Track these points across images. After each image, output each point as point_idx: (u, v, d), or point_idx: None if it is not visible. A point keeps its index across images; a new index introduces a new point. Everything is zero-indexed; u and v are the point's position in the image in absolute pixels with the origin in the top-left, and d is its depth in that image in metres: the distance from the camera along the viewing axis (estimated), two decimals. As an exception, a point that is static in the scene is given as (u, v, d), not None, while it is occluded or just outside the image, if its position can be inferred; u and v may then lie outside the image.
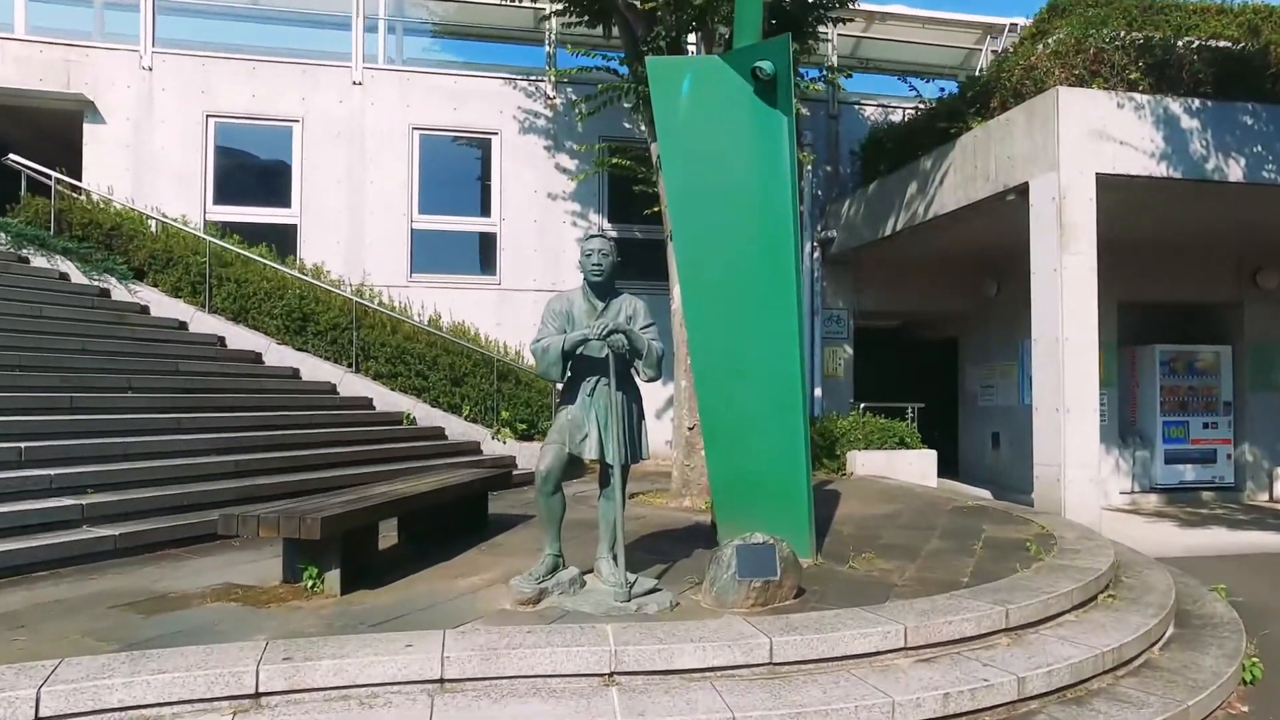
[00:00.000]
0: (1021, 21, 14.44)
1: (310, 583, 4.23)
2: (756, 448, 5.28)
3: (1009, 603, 3.95)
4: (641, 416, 4.47)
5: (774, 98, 5.28)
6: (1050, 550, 5.32)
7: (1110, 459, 11.49)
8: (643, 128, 10.31)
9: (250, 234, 10.79)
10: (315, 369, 9.39)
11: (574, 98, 11.97)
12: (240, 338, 9.38)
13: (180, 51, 11.41)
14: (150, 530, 5.27)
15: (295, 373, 9.26)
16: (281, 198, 11.53)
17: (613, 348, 4.11)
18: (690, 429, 7.88)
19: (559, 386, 4.53)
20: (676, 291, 7.78)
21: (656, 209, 8.52)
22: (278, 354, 9.37)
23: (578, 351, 4.19)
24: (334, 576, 4.22)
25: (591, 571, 4.50)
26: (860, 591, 4.41)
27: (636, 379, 4.41)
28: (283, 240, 11.26)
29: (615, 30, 9.17)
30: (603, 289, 4.34)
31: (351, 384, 9.43)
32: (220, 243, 9.97)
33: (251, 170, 11.86)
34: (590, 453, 4.23)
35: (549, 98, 12.06)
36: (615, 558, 4.20)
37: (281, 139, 11.55)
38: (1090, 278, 7.71)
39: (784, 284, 5.16)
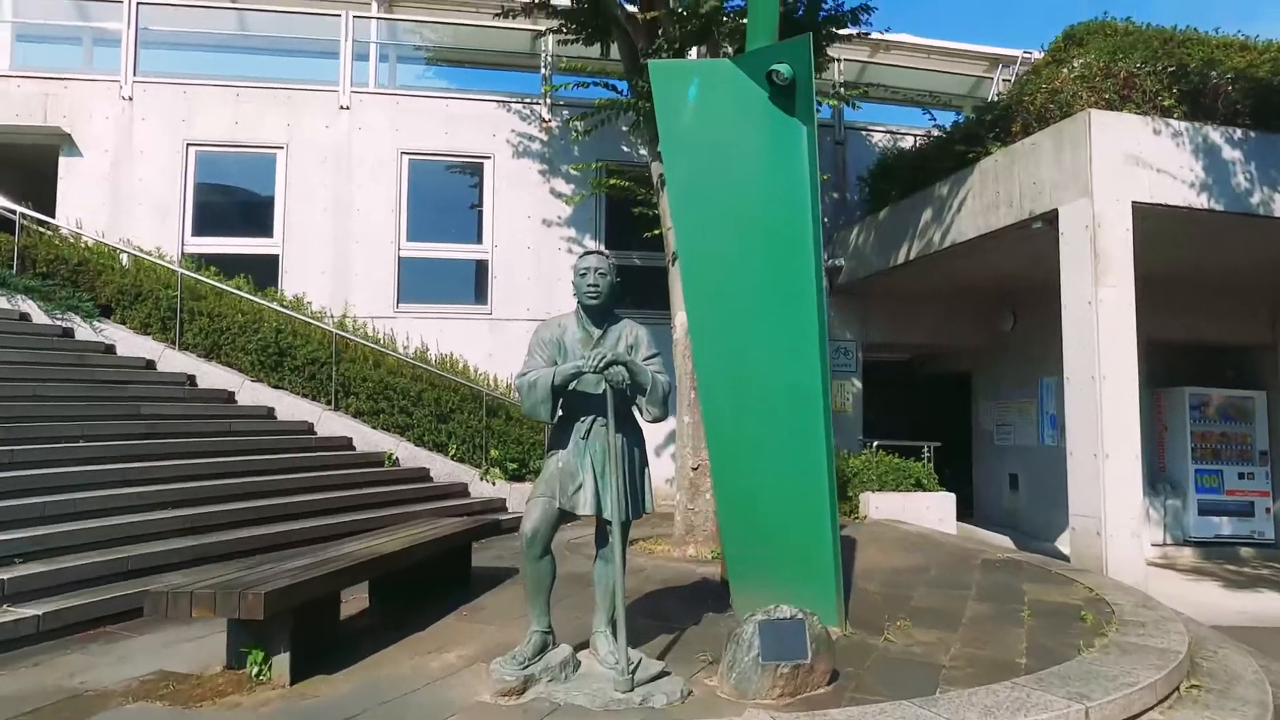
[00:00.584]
0: (1035, 54, 14.16)
1: (255, 669, 3.57)
2: (774, 492, 4.65)
3: (1086, 698, 3.30)
4: (645, 463, 3.86)
5: (792, 105, 4.74)
6: (1109, 622, 4.67)
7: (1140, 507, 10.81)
8: (642, 150, 9.80)
9: (230, 266, 10.21)
10: (291, 407, 8.75)
11: (570, 118, 11.54)
12: (212, 376, 8.75)
13: (161, 80, 10.94)
14: (83, 605, 4.55)
15: (269, 412, 8.62)
16: (264, 227, 10.98)
17: (611, 382, 3.51)
18: (695, 469, 7.24)
19: (550, 427, 3.90)
20: (680, 319, 7.20)
21: (657, 231, 7.96)
22: (251, 392, 8.73)
23: (570, 387, 3.58)
24: (283, 661, 3.55)
25: (586, 646, 3.85)
26: (903, 674, 3.76)
27: (639, 419, 3.79)
28: (264, 271, 10.69)
29: (613, 49, 8.71)
30: (600, 314, 3.76)
31: (330, 423, 8.78)
32: (194, 275, 9.38)
33: (233, 200, 11.34)
34: (585, 507, 3.61)
35: (544, 121, 11.59)
36: (615, 631, 3.55)
37: (265, 167, 11.03)
38: (1128, 312, 7.15)
39: (804, 307, 4.56)
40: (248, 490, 6.74)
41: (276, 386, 8.91)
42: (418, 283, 11.22)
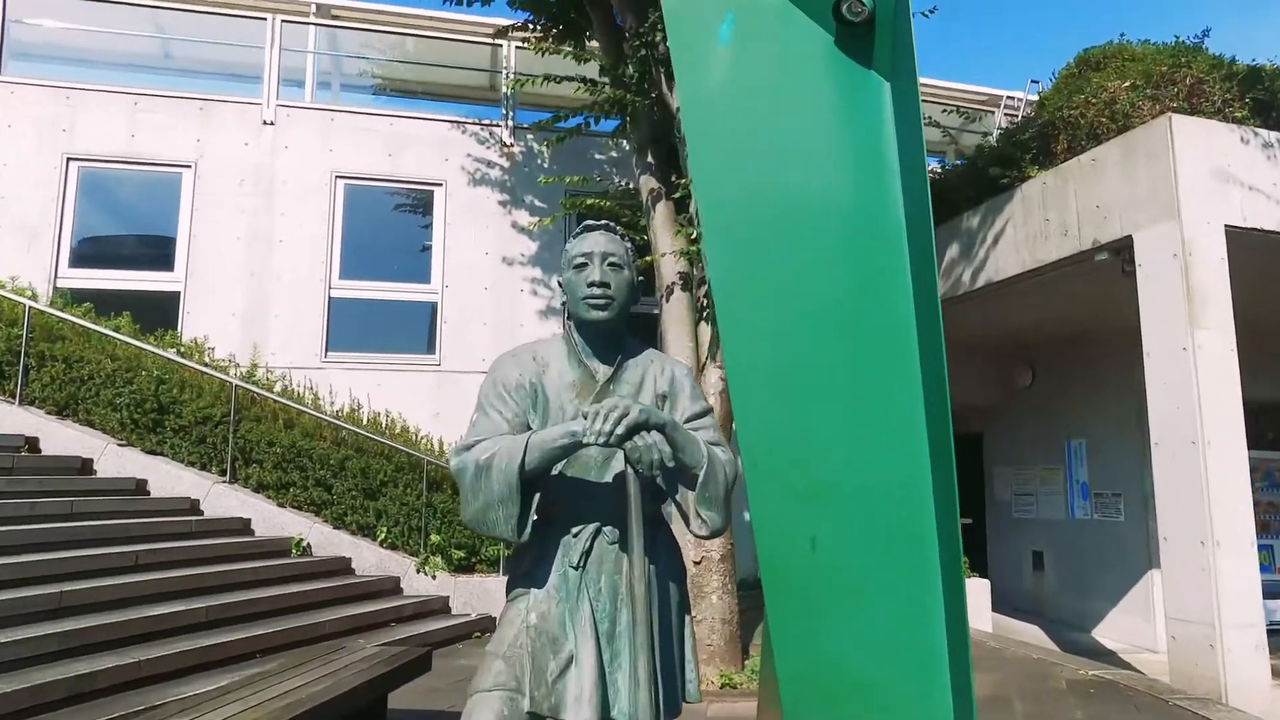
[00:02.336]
0: (1019, 94, 13.23)
1: None
2: (860, 626, 3.00)
3: None
4: (686, 610, 2.17)
5: (869, 50, 3.24)
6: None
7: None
8: (615, 173, 8.30)
9: (116, 304, 8.33)
10: (170, 480, 6.85)
11: (536, 145, 10.05)
12: (61, 438, 6.83)
13: (37, 82, 9.18)
14: None
15: (139, 486, 6.71)
16: (162, 259, 9.16)
17: (636, 463, 1.84)
18: (697, 563, 5.57)
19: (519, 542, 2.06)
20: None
21: (648, 259, 6.38)
22: (116, 460, 6.82)
23: (556, 470, 1.95)
24: None
25: None
26: None
27: (675, 525, 2.11)
28: (160, 312, 8.84)
29: (588, 46, 7.27)
30: (609, 338, 2.11)
31: (222, 499, 6.89)
32: (50, 310, 7.49)
33: (124, 226, 9.52)
34: (578, 710, 1.91)
35: (505, 145, 10.07)
36: None
37: (167, 188, 9.26)
38: (1231, 360, 5.76)
39: (896, 348, 2.98)
40: (86, 601, 4.85)
41: (153, 452, 7.01)
42: (351, 328, 9.45)
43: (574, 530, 1.99)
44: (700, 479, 1.93)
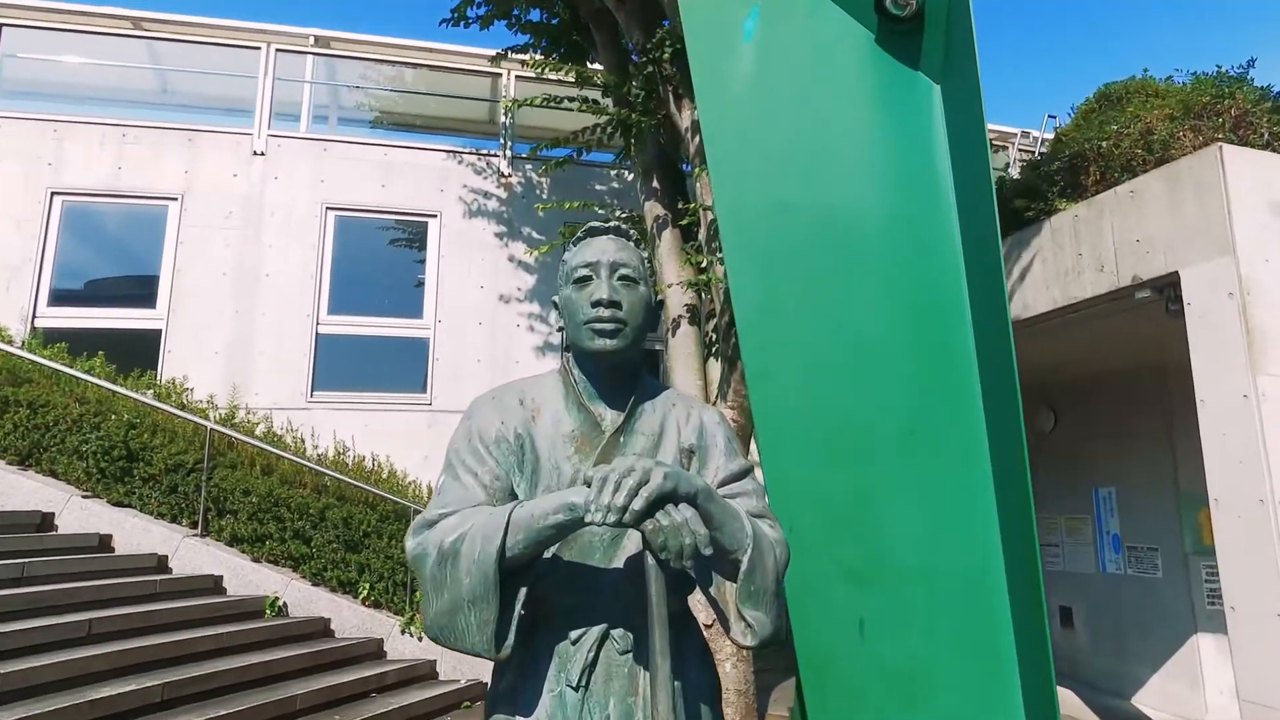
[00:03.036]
0: (1034, 131, 12.93)
1: None
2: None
3: None
4: None
5: (916, 51, 2.79)
6: None
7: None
8: (613, 201, 7.91)
9: (95, 343, 7.86)
10: (138, 534, 6.30)
11: (534, 176, 9.67)
12: (21, 490, 6.30)
13: (23, 115, 8.82)
14: None
15: (103, 542, 6.16)
16: (144, 296, 8.72)
17: (659, 547, 1.30)
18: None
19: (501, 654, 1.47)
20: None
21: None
22: (80, 513, 6.28)
23: (549, 554, 1.47)
24: None
25: None
26: None
27: (705, 622, 1.64)
28: (140, 351, 8.38)
29: (590, 69, 6.89)
30: (619, 375, 1.63)
31: (193, 555, 6.33)
32: (16, 351, 7.01)
33: (108, 261, 9.10)
34: None
35: (503, 175, 9.69)
36: None
37: (153, 222, 8.86)
38: (1297, 407, 5.23)
39: (957, 397, 2.48)
40: (22, 685, 4.26)
41: (120, 504, 6.47)
42: (339, 365, 8.97)
43: (572, 636, 1.47)
44: (744, 567, 1.41)
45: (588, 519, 1.28)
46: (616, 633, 1.47)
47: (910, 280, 2.54)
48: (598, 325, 1.53)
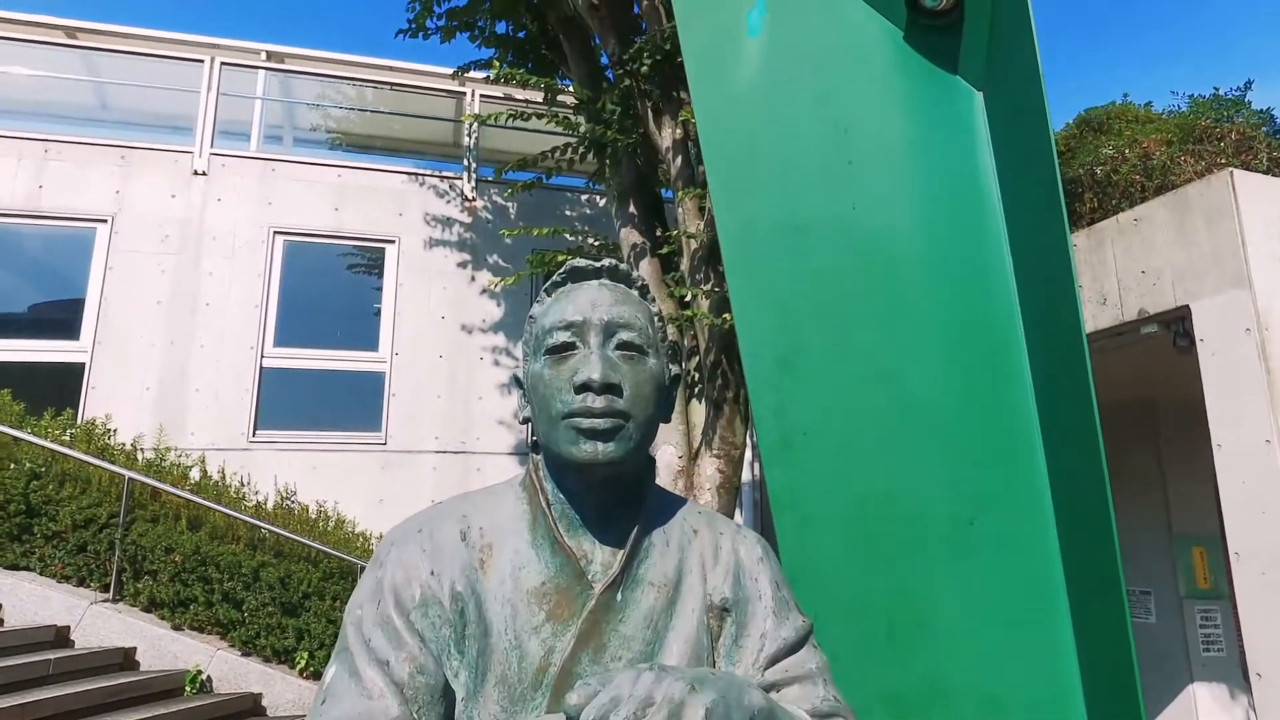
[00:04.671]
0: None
1: None
2: None
3: None
4: None
5: (953, 51, 2.32)
6: None
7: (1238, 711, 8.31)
8: (593, 240, 7.46)
9: (5, 378, 7.10)
10: (33, 602, 5.47)
11: (500, 200, 9.15)
12: (-106, 548, 5.51)
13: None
14: None
15: (-8, 609, 5.41)
16: (66, 326, 7.98)
17: None
18: None
19: None
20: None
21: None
22: (-35, 577, 5.51)
23: None
24: None
25: None
26: None
27: None
28: (59, 387, 7.64)
29: (560, 88, 6.40)
30: (614, 494, 1.05)
31: (101, 624, 5.56)
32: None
33: (25, 288, 8.34)
34: None
35: (467, 200, 9.15)
36: None
37: (78, 245, 8.14)
38: (1323, 453, 4.85)
39: (1031, 475, 1.99)
40: None
41: (15, 567, 5.67)
42: (285, 402, 8.29)
43: None
44: None
45: None
46: None
47: (964, 322, 2.05)
48: (585, 422, 0.99)
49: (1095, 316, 6.08)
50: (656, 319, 1.11)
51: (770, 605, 1.07)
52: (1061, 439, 1.98)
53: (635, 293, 1.10)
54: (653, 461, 1.11)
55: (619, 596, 1.00)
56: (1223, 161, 6.10)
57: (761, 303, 2.21)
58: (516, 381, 1.12)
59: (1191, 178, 5.84)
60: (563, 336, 1.02)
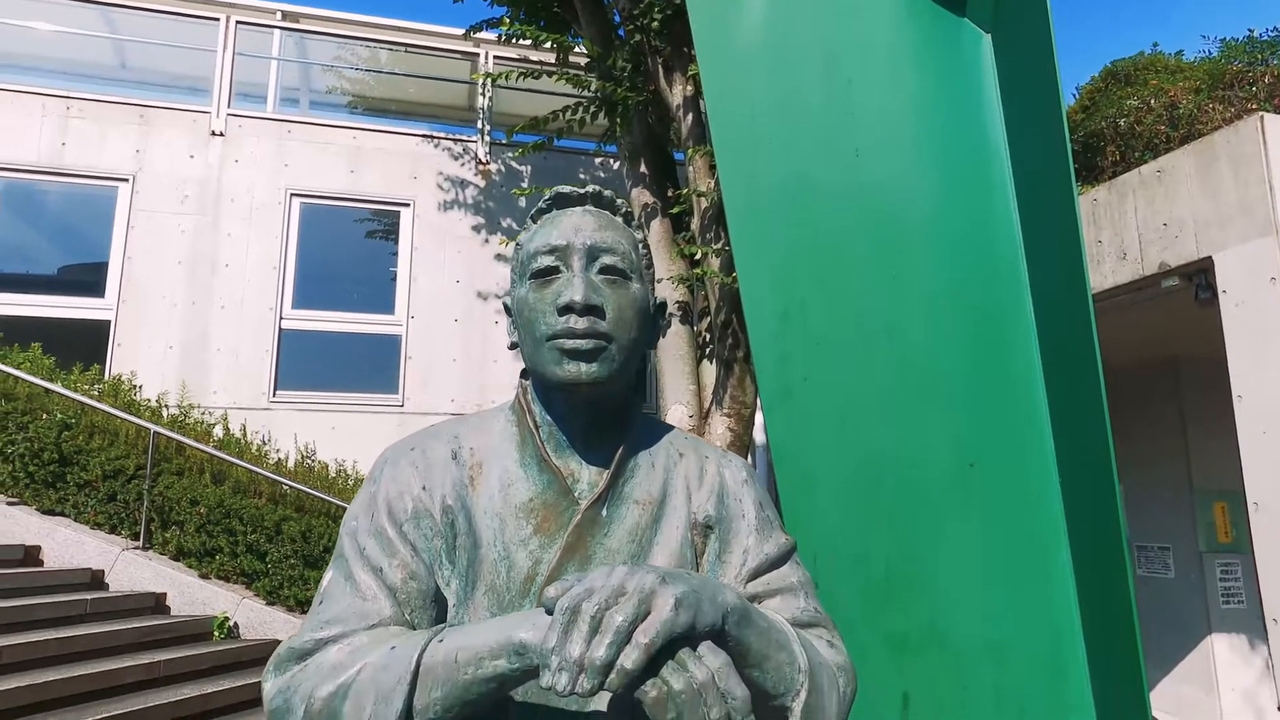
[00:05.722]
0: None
1: None
2: None
3: None
4: None
5: (962, -2, 2.27)
6: None
7: (1257, 662, 8.31)
8: (597, 181, 7.38)
9: (34, 333, 7.26)
10: (70, 546, 5.72)
11: (514, 164, 9.10)
12: (-63, 497, 5.71)
13: (-47, 81, 8.16)
14: None
15: (29, 554, 5.59)
16: (92, 284, 8.10)
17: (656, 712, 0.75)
18: None
19: None
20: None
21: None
22: (4, 521, 5.69)
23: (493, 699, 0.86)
24: None
25: None
26: None
27: None
28: (88, 343, 7.78)
29: (573, 48, 6.31)
30: (599, 415, 1.07)
31: (133, 570, 5.76)
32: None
33: (52, 245, 8.46)
34: None
35: (481, 162, 9.12)
36: None
37: (101, 204, 8.23)
38: (1346, 407, 4.79)
39: (1033, 420, 1.99)
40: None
41: (51, 512, 5.89)
42: (304, 363, 8.40)
43: None
44: (795, 717, 0.90)
45: (545, 681, 0.76)
46: None
47: (968, 275, 2.03)
48: (568, 343, 1.01)
49: (1115, 271, 5.99)
50: (641, 246, 1.12)
51: (753, 523, 1.09)
52: (1065, 388, 1.98)
53: (619, 219, 1.11)
54: (641, 386, 1.14)
55: (604, 512, 1.03)
56: (1253, 107, 5.92)
57: (764, 255, 2.20)
58: (506, 309, 1.14)
59: (1219, 125, 5.68)
60: (547, 261, 1.04)
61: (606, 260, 1.04)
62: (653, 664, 0.76)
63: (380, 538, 0.99)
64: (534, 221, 1.12)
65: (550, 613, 0.79)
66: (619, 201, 1.13)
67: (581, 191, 1.11)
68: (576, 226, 1.05)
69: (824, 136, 2.23)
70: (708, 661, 0.78)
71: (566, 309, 1.00)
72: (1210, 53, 7.75)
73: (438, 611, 0.99)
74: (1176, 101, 6.18)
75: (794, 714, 0.89)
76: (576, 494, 1.04)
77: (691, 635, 0.79)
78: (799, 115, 2.24)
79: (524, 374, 1.13)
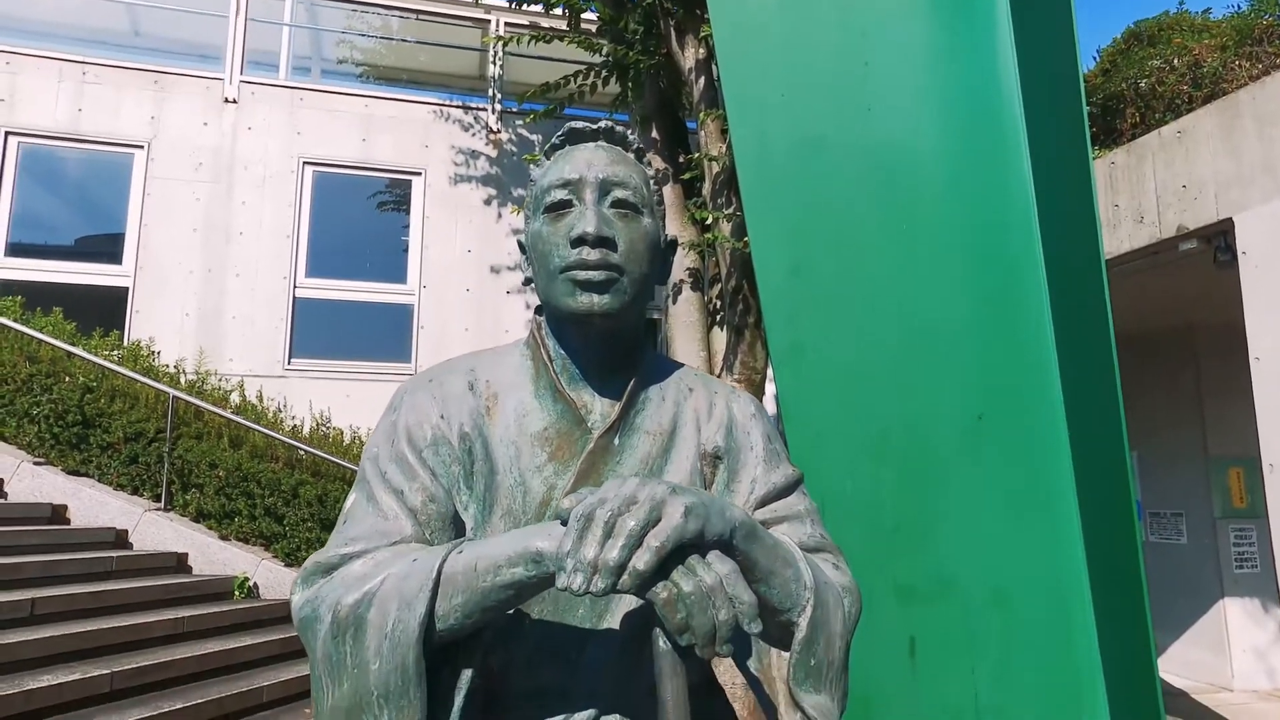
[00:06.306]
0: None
1: None
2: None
3: None
4: None
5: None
6: None
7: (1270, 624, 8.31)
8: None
9: (55, 298, 7.35)
10: (95, 506, 5.86)
11: (525, 133, 9.06)
12: (-34, 455, 5.85)
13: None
14: None
15: (57, 513, 5.73)
16: (110, 251, 8.18)
17: (680, 626, 0.80)
18: None
19: None
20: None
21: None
22: (32, 480, 5.84)
23: (510, 612, 0.95)
24: None
25: None
26: None
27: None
28: (106, 309, 7.87)
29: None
30: (611, 348, 1.09)
31: (155, 530, 5.90)
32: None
33: (70, 211, 8.53)
34: None
35: (492, 131, 9.08)
36: None
37: (117, 170, 8.28)
38: (1364, 370, 4.75)
39: (1039, 373, 2.00)
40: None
41: (76, 473, 6.04)
42: (318, 332, 8.47)
43: None
44: (800, 633, 0.93)
45: (561, 583, 0.80)
46: None
47: (980, 230, 2.03)
48: (581, 274, 1.03)
49: (1132, 236, 5.93)
50: (652, 182, 1.14)
51: (761, 454, 1.13)
52: (1075, 342, 1.98)
53: (631, 155, 1.14)
54: (651, 324, 1.17)
55: (616, 441, 1.06)
56: None
57: (775, 211, 2.20)
58: (521, 247, 1.16)
59: (1245, 83, 5.58)
60: (560, 194, 1.06)
61: (618, 194, 1.06)
62: (663, 568, 0.79)
63: (401, 463, 1.02)
64: (547, 158, 1.14)
65: (565, 524, 0.82)
66: (631, 137, 1.15)
67: (594, 127, 1.13)
68: (589, 161, 1.08)
69: (837, 92, 2.22)
70: (716, 568, 0.82)
71: (579, 241, 1.02)
72: (1240, 6, 7.56)
73: (456, 533, 1.02)
74: (1201, 60, 6.05)
75: (800, 629, 0.92)
76: (589, 424, 1.07)
77: (700, 543, 0.82)
78: (811, 70, 2.23)
79: (538, 310, 1.16)
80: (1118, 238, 6.05)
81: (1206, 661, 8.05)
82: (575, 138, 1.13)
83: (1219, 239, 5.40)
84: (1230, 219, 5.20)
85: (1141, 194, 5.85)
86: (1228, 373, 7.44)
